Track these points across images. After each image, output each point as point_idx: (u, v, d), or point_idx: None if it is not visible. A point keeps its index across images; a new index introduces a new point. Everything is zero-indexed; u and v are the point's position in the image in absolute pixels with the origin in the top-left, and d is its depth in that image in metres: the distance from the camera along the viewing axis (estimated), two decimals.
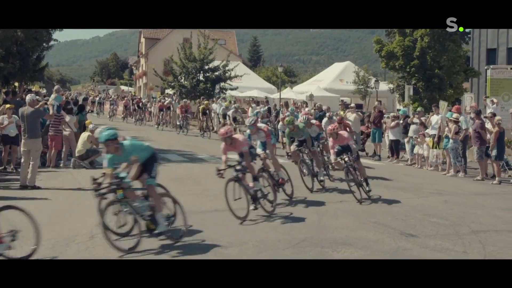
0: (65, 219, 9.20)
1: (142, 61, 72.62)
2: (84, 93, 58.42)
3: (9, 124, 15.17)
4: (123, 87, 77.64)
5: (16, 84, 30.79)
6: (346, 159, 12.83)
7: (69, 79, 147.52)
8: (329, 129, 13.35)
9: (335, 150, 13.10)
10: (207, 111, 30.44)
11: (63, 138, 17.37)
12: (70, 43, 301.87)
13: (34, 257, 7.67)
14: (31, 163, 13.53)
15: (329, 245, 9.08)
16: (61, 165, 17.10)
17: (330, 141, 13.24)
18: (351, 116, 21.24)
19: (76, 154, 17.11)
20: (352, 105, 24.38)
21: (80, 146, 17.19)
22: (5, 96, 18.11)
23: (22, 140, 13.93)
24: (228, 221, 10.44)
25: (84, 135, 17.42)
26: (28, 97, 14.45)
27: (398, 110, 30.88)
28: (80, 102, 24.22)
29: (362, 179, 13.06)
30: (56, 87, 21.36)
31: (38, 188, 13.33)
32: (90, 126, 17.88)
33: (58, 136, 17.10)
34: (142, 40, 73.54)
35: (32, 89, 30.95)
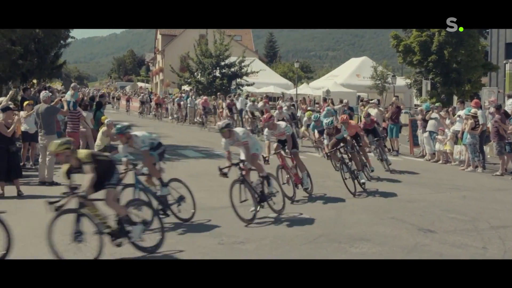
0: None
1: (159, 57, 72.87)
2: (101, 90, 58.80)
3: (28, 116, 15.26)
4: (140, 84, 77.96)
5: (35, 81, 31.04)
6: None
7: (86, 76, 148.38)
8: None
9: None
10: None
11: (80, 135, 17.48)
12: (87, 40, 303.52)
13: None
14: (47, 159, 13.63)
15: (347, 240, 9.05)
16: None
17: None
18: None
19: (95, 149, 17.22)
20: (374, 100, 24.20)
21: (98, 141, 17.27)
22: (23, 93, 18.27)
23: (39, 137, 14.06)
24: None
25: (102, 130, 17.52)
26: (42, 94, 14.62)
27: (417, 105, 30.65)
28: (97, 99, 24.30)
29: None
30: (73, 84, 21.52)
31: (57, 184, 13.41)
32: (106, 120, 18.02)
33: (76, 133, 17.19)
34: (159, 36, 73.83)
35: (51, 86, 31.17)
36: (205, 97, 33.18)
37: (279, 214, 10.71)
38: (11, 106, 14.81)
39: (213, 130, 28.14)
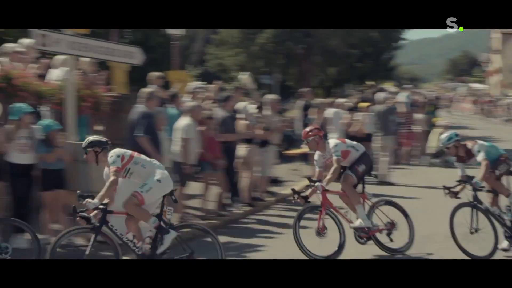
0: (420, 217, 9.09)
1: (496, 57, 69.19)
2: (436, 92, 58.20)
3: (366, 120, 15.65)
4: (475, 85, 75.14)
5: (371, 83, 32.15)
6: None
7: (419, 78, 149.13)
8: None
9: None
10: None
11: (414, 136, 17.49)
12: (419, 42, 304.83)
13: (408, 251, 8.32)
14: (384, 159, 13.91)
15: None
16: (414, 162, 17.20)
17: None
18: None
19: (433, 151, 16.95)
20: None
21: (432, 143, 17.07)
22: (362, 95, 19.02)
23: (378, 137, 14.41)
24: None
25: (436, 132, 17.22)
26: (380, 95, 15.06)
27: None
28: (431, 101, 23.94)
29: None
30: (407, 85, 21.75)
31: (392, 184, 13.56)
32: (438, 122, 17.82)
33: (410, 134, 17.26)
34: (496, 35, 70.03)
35: (384, 87, 31.88)
36: None
37: None
38: (353, 106, 15.65)
39: None
